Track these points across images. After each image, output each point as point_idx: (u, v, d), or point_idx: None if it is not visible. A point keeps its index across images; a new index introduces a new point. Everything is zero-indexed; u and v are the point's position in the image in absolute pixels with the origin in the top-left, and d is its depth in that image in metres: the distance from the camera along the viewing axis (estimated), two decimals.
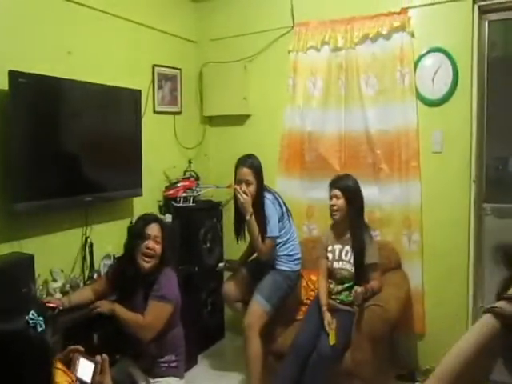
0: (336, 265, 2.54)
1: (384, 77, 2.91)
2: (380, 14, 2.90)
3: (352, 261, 2.50)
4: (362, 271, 2.47)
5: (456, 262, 2.78)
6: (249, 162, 2.62)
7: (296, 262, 2.68)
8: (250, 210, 2.54)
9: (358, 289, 2.27)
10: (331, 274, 2.58)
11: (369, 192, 2.86)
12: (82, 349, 1.25)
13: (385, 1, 2.92)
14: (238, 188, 2.57)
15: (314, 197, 3.10)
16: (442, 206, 2.81)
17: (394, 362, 2.80)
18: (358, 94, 2.97)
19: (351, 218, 2.52)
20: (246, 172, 2.59)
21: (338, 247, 2.57)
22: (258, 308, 2.55)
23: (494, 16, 2.82)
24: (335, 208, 2.52)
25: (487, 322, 0.73)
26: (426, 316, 2.84)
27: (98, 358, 1.21)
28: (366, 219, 2.67)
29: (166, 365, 2.18)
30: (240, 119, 3.51)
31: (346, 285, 2.50)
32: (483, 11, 2.77)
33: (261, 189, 2.61)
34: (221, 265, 3.14)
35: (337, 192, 2.53)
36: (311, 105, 3.13)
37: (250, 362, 2.53)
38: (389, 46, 2.89)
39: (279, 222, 2.60)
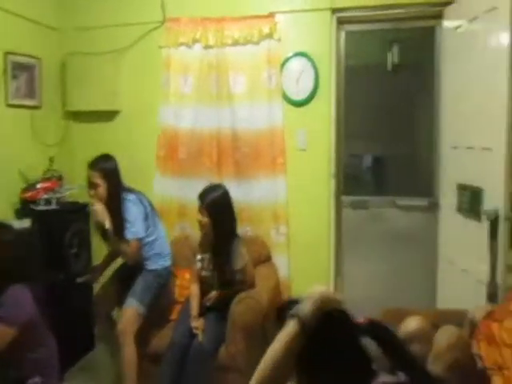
0: (205, 273, 2.55)
1: (252, 77, 3.00)
2: (249, 16, 2.98)
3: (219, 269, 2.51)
4: (229, 278, 2.49)
5: (319, 251, 3.00)
6: (95, 164, 2.51)
7: (166, 258, 2.64)
8: (106, 216, 2.45)
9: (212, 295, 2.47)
10: (202, 282, 2.58)
11: (238, 189, 2.94)
12: None
13: (253, 4, 3.02)
14: (90, 196, 2.51)
15: (186, 195, 3.06)
16: (305, 199, 3.01)
17: (266, 350, 2.91)
18: (228, 93, 3.02)
19: (216, 232, 2.48)
20: (93, 175, 2.49)
21: (206, 256, 2.56)
22: (132, 311, 2.45)
23: (350, 27, 3.10)
24: (201, 224, 2.48)
25: (290, 325, 0.92)
26: None
27: None
28: (236, 218, 2.67)
29: None
30: (109, 115, 3.32)
31: (216, 292, 2.50)
32: (341, 22, 3.03)
33: (114, 191, 2.51)
34: (83, 278, 2.84)
35: (203, 210, 2.46)
36: (184, 102, 3.10)
37: (124, 368, 2.42)
38: (257, 48, 2.98)
39: (145, 220, 2.53)
